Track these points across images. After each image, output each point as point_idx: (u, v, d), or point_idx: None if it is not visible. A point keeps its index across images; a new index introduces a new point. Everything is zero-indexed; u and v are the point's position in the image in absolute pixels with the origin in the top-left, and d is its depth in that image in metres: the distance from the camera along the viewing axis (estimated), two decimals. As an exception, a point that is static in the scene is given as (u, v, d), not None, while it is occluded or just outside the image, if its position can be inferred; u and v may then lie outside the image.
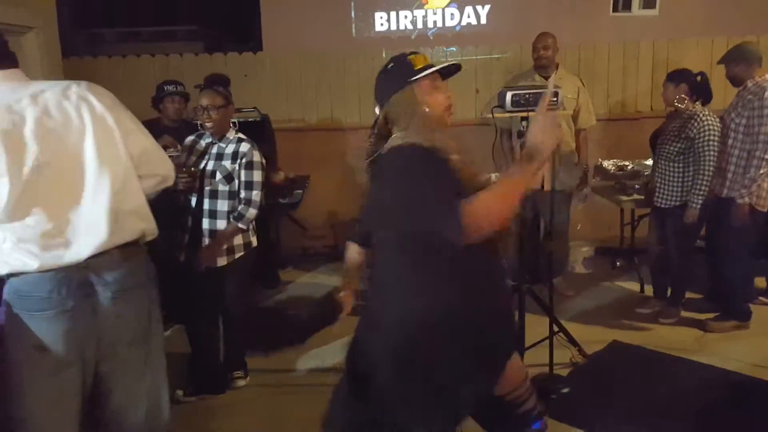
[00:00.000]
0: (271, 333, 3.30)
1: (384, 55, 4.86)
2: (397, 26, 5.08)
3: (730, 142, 3.17)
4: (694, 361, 2.96)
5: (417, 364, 1.43)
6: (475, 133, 3.84)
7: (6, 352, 1.55)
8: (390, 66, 1.56)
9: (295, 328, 3.14)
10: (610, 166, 4.20)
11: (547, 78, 3.60)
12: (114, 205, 1.57)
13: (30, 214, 1.48)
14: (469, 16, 5.08)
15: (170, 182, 1.83)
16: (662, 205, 3.32)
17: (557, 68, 3.66)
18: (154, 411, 1.73)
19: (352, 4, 5.03)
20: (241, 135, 2.63)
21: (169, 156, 2.81)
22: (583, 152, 3.77)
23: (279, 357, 3.04)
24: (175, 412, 2.52)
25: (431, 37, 5.07)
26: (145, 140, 1.71)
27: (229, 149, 2.58)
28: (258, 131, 4.10)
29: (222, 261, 2.59)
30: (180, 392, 2.69)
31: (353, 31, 5.04)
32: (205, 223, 2.58)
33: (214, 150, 2.59)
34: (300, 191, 4.15)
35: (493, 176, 3.35)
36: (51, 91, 1.57)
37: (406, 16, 5.09)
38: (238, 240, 2.61)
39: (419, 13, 5.09)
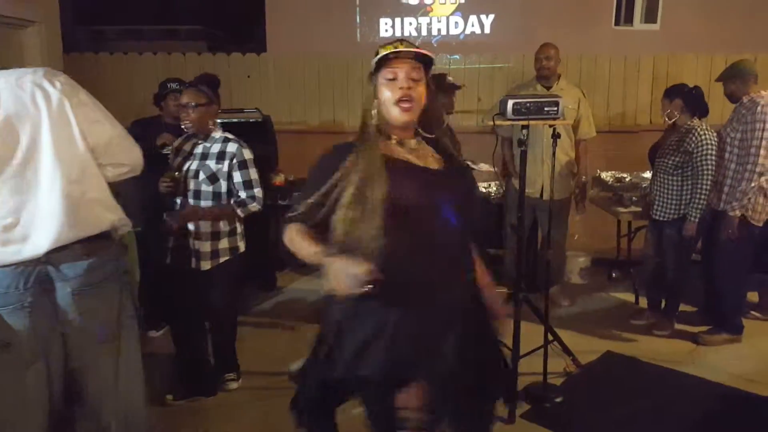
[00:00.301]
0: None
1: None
2: (402, 32, 5.11)
3: (726, 156, 3.21)
4: (687, 373, 2.97)
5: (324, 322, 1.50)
6: (477, 140, 3.89)
7: None
8: None
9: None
10: (608, 178, 4.23)
11: (548, 88, 3.63)
12: (72, 196, 1.52)
13: None
14: (473, 25, 5.12)
15: (138, 172, 1.80)
16: (660, 218, 3.34)
17: (559, 79, 3.69)
18: (130, 406, 1.70)
19: (358, 9, 5.06)
20: (227, 134, 2.57)
21: (165, 153, 2.82)
22: (582, 163, 3.79)
23: (271, 359, 3.02)
24: (166, 416, 2.54)
25: (435, 45, 5.10)
26: (111, 129, 1.68)
27: (215, 149, 2.52)
28: (259, 132, 4.11)
29: (206, 265, 2.53)
30: (169, 396, 2.66)
31: (358, 36, 5.06)
32: (191, 225, 2.52)
33: (199, 150, 2.53)
34: (299, 193, 4.15)
35: (484, 166, 3.38)
36: (4, 80, 1.53)
37: (410, 23, 5.12)
38: (224, 244, 2.55)
39: (424, 21, 5.12)
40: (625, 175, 4.21)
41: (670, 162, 3.26)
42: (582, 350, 3.09)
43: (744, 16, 4.95)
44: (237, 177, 2.51)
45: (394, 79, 1.40)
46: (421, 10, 5.10)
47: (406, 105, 1.39)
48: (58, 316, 1.54)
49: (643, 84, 4.84)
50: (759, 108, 3.03)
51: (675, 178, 3.25)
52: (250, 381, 2.86)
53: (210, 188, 2.49)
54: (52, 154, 1.51)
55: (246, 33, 8.73)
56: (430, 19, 5.13)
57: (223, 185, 2.51)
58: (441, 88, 3.27)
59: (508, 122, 2.45)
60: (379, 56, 1.41)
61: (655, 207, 3.36)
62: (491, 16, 5.07)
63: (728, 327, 3.33)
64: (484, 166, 3.38)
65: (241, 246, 2.63)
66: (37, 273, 1.50)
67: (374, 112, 1.43)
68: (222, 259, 2.55)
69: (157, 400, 2.60)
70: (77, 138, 1.56)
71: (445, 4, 5.10)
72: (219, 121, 4.02)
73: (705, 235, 3.34)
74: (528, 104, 2.35)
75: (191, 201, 2.51)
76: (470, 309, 1.48)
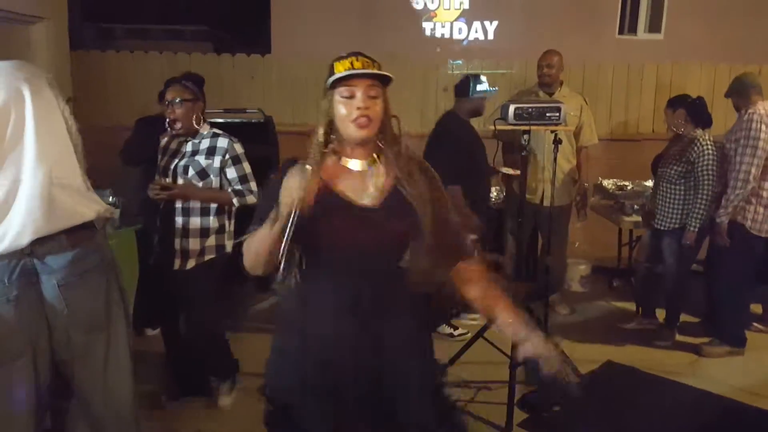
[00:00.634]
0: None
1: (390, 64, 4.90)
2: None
3: (727, 166, 3.21)
4: (688, 385, 2.94)
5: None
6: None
7: None
8: None
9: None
10: (609, 186, 4.22)
11: (551, 95, 3.62)
12: (54, 185, 1.51)
13: None
14: (476, 31, 5.14)
15: None
16: (661, 227, 3.33)
17: (561, 86, 3.68)
18: (119, 398, 1.69)
19: (362, 13, 5.07)
20: (216, 130, 2.50)
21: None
22: (584, 170, 3.78)
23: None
24: (159, 416, 2.51)
25: (438, 50, 5.11)
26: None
27: (204, 144, 2.44)
28: (261, 132, 4.11)
29: (191, 263, 2.44)
30: (163, 397, 2.64)
31: (362, 39, 5.08)
32: (179, 222, 2.43)
33: (189, 147, 2.46)
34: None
35: (509, 170, 3.31)
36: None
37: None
38: (210, 242, 2.46)
39: (428, 26, 5.14)
40: (626, 183, 4.19)
41: (673, 171, 3.27)
42: (582, 359, 3.04)
43: (748, 26, 4.96)
44: (231, 173, 2.44)
45: (351, 98, 1.31)
46: (425, 15, 5.12)
47: (363, 121, 1.30)
48: (44, 308, 1.53)
49: (646, 93, 4.84)
50: (746, 117, 3.08)
51: (678, 187, 3.26)
52: (246, 382, 2.84)
53: (200, 184, 2.42)
54: (35, 144, 1.49)
55: (251, 35, 8.77)
56: (434, 25, 5.14)
57: (214, 181, 2.44)
58: (464, 93, 3.23)
59: (510, 127, 2.44)
60: (334, 77, 1.31)
61: (657, 216, 3.35)
62: (495, 23, 5.09)
63: (730, 339, 3.31)
64: (509, 170, 3.34)
65: (228, 246, 2.52)
66: (21, 266, 1.49)
67: (321, 131, 1.34)
68: (207, 257, 2.46)
69: (152, 399, 2.59)
70: (61, 129, 1.56)
71: (449, 9, 5.12)
72: (221, 120, 4.09)
73: (708, 246, 3.33)
74: (530, 109, 2.35)
75: (179, 201, 2.43)
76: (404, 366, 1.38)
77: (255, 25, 7.64)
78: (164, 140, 2.56)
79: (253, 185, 2.49)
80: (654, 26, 5.12)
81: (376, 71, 1.31)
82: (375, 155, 1.38)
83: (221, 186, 2.46)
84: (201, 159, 2.42)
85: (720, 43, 4.92)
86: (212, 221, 2.47)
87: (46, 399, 1.59)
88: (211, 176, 2.43)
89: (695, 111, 3.25)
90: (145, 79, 4.50)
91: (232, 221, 2.55)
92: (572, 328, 3.61)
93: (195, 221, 2.43)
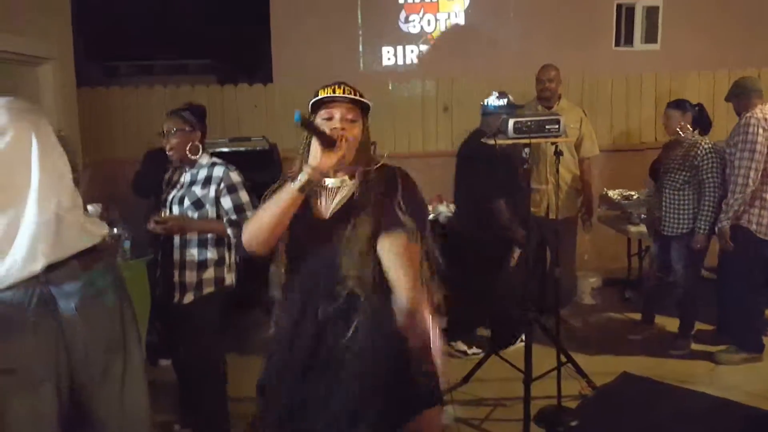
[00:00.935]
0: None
1: (390, 88, 4.96)
2: (404, 61, 5.21)
3: (728, 171, 3.21)
4: (705, 393, 2.89)
5: None
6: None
7: None
8: None
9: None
10: (615, 196, 4.21)
11: (549, 108, 3.66)
12: (61, 212, 1.56)
13: None
14: (474, 50, 5.20)
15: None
16: (669, 233, 3.33)
17: (559, 99, 3.72)
18: (136, 419, 1.71)
19: (360, 38, 5.17)
20: (216, 159, 2.44)
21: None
22: (586, 180, 3.79)
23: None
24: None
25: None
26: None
27: (201, 174, 2.38)
28: (266, 160, 4.16)
29: (189, 297, 2.34)
30: (176, 426, 2.63)
31: (361, 65, 5.16)
32: (176, 254, 2.36)
33: (187, 178, 2.41)
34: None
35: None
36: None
37: (412, 51, 5.21)
38: (208, 274, 2.36)
39: (425, 48, 5.22)
40: (632, 193, 4.19)
41: (678, 177, 3.28)
42: (597, 372, 3.01)
43: (744, 31, 5.00)
44: (226, 202, 2.34)
45: (330, 119, 1.49)
46: (422, 38, 5.20)
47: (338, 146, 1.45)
48: (63, 333, 1.56)
49: (645, 102, 4.87)
50: (744, 120, 3.09)
51: (685, 192, 3.28)
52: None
53: (195, 215, 2.35)
54: (39, 175, 1.54)
55: (253, 65, 8.92)
56: (432, 46, 5.22)
57: (210, 211, 2.35)
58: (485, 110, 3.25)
59: (510, 141, 2.47)
60: (314, 99, 1.51)
61: (665, 223, 3.35)
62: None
63: (746, 346, 3.26)
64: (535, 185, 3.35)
65: (228, 279, 2.42)
66: (38, 293, 1.53)
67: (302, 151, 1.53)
68: (206, 291, 2.36)
69: (165, 428, 2.59)
70: (61, 159, 1.62)
71: (446, 31, 5.20)
72: (226, 150, 4.15)
73: (718, 252, 3.31)
74: (529, 123, 2.37)
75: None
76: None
77: (256, 55, 7.79)
78: (169, 172, 2.55)
79: (251, 215, 2.31)
80: (650, 37, 5.16)
81: (351, 96, 1.50)
82: (348, 176, 1.54)
83: (218, 216, 2.37)
84: (197, 189, 2.36)
85: (717, 51, 4.94)
86: (210, 253, 2.37)
87: (67, 426, 1.61)
88: (207, 206, 2.35)
89: (700, 116, 3.31)
90: (150, 113, 4.59)
91: (233, 253, 2.45)
92: (585, 341, 3.57)
93: (192, 253, 2.35)
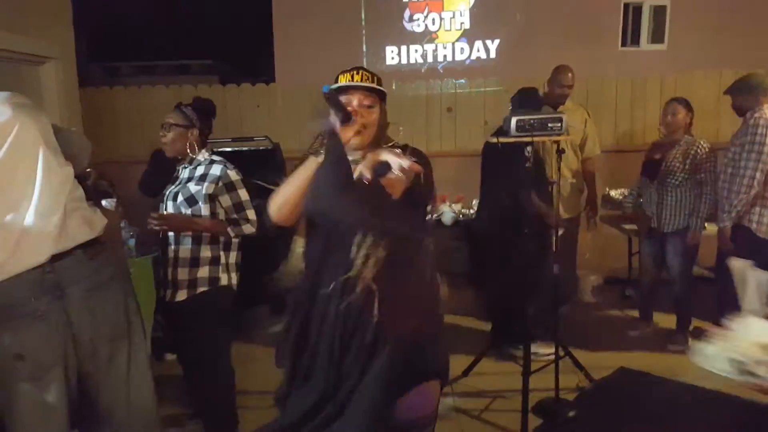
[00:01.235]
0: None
1: (394, 87, 4.96)
2: (408, 60, 5.21)
3: (730, 171, 3.21)
4: (702, 387, 2.88)
5: None
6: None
7: None
8: None
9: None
10: (617, 196, 4.21)
11: (554, 108, 3.64)
12: (66, 202, 1.60)
13: None
14: (478, 50, 5.20)
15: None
16: (667, 230, 3.40)
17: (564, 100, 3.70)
18: (142, 407, 1.73)
19: (364, 38, 5.17)
20: (215, 157, 2.40)
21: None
22: (590, 180, 3.78)
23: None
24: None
25: (441, 71, 5.17)
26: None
27: (198, 171, 2.34)
28: (269, 159, 4.17)
29: (182, 295, 2.29)
30: (185, 418, 2.65)
31: (364, 64, 5.16)
32: (170, 250, 2.31)
33: (185, 174, 2.37)
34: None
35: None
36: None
37: (416, 50, 5.22)
38: (202, 273, 2.29)
39: (429, 48, 5.22)
40: (634, 193, 4.17)
41: (678, 176, 3.35)
42: (594, 366, 3.05)
43: (751, 31, 4.98)
44: (225, 200, 2.31)
45: (348, 105, 1.54)
46: (426, 37, 5.20)
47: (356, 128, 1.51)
48: (70, 321, 1.59)
49: (651, 103, 4.84)
50: (752, 121, 3.08)
51: (682, 190, 3.36)
52: (265, 401, 2.82)
53: (188, 211, 2.29)
54: (45, 160, 1.57)
55: (255, 65, 8.94)
56: (436, 46, 5.22)
57: (203, 208, 2.29)
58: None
59: (513, 139, 2.46)
60: (335, 86, 1.55)
61: (664, 220, 3.41)
62: (497, 41, 5.15)
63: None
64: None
65: (223, 279, 2.35)
66: (46, 282, 1.56)
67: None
68: (199, 290, 2.29)
69: (173, 419, 2.62)
70: (60, 155, 1.64)
71: (450, 30, 5.20)
72: (229, 149, 4.15)
73: (717, 252, 3.34)
74: (532, 121, 2.37)
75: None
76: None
77: (258, 55, 7.80)
78: (177, 172, 2.50)
79: (251, 213, 2.35)
80: (657, 37, 5.15)
81: (367, 84, 1.56)
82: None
83: (212, 214, 2.31)
84: (191, 185, 2.30)
85: (724, 51, 4.92)
86: (203, 250, 2.31)
87: (74, 414, 1.63)
88: (200, 203, 2.29)
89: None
90: (153, 113, 4.60)
91: (231, 253, 2.40)
92: (585, 337, 3.57)
93: (185, 250, 2.30)
